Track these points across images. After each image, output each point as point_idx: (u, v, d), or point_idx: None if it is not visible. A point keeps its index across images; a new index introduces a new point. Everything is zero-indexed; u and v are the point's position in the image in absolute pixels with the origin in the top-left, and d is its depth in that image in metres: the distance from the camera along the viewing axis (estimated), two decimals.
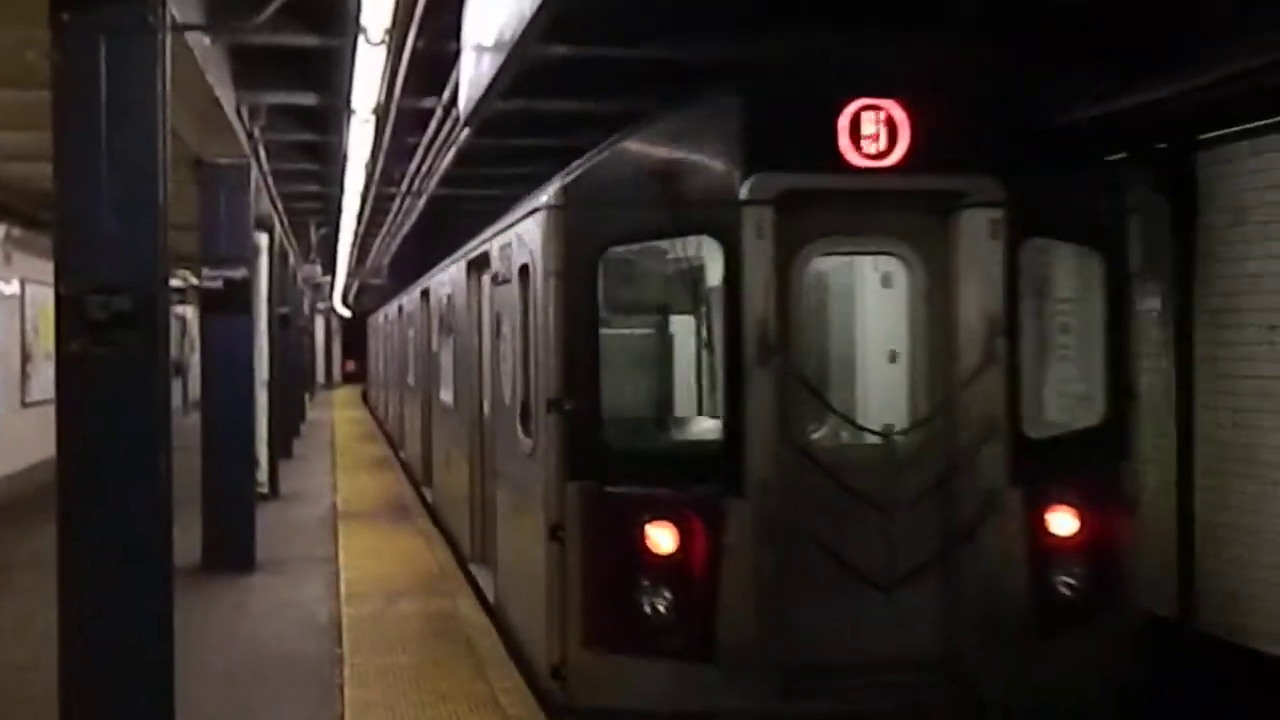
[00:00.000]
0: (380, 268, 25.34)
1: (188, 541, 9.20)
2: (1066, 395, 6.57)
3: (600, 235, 5.68)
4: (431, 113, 9.80)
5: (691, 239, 5.82)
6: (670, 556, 5.58)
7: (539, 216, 6.02)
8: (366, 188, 13.44)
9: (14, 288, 14.58)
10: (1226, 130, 7.03)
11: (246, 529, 10.18)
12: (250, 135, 10.05)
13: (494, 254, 7.75)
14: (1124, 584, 6.12)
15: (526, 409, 6.47)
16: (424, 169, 12.19)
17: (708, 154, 5.70)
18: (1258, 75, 5.72)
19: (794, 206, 5.69)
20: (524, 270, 6.50)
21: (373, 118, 9.25)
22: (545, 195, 5.93)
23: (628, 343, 6.31)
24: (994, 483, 5.86)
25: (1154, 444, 7.36)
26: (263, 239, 13.93)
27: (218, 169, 10.07)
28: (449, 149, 10.83)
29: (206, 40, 7.27)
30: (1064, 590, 5.94)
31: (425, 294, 13.49)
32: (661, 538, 5.59)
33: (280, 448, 16.09)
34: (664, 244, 5.90)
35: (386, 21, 6.90)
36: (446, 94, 9.00)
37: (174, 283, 21.34)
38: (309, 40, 8.08)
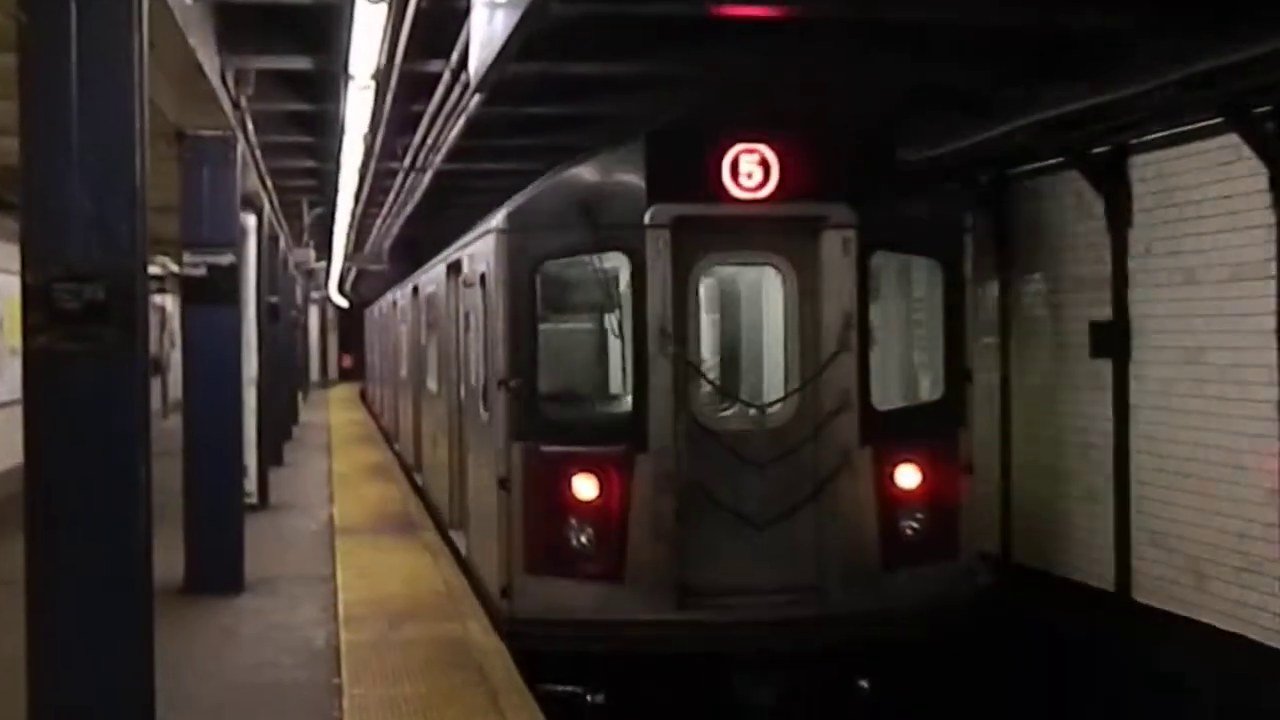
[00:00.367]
0: (381, 252, 25.36)
1: (169, 559, 9.22)
2: (916, 375, 9.47)
3: (537, 252, 8.66)
4: (438, 77, 9.80)
5: (607, 255, 8.70)
6: (591, 501, 8.54)
7: (490, 236, 9.02)
8: (365, 162, 13.48)
9: None
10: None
11: (234, 544, 10.24)
12: (236, 104, 10.08)
13: (465, 261, 10.80)
14: (959, 527, 8.98)
15: (486, 388, 9.37)
16: (429, 141, 12.20)
17: (619, 188, 8.60)
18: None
19: (687, 230, 8.60)
20: (483, 277, 9.44)
21: (372, 84, 9.27)
22: (495, 220, 8.98)
23: (559, 335, 9.23)
24: (847, 444, 8.72)
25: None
26: (250, 220, 13.97)
27: (200, 142, 10.11)
28: (457, 118, 10.84)
29: None
30: (908, 531, 8.84)
31: (416, 290, 16.72)
32: (584, 486, 8.55)
33: (271, 453, 16.17)
34: (586, 258, 8.75)
35: None
36: (455, 56, 8.99)
37: (152, 269, 21.47)
38: None
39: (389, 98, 9.90)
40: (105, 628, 5.04)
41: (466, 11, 7.27)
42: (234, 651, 8.46)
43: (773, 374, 9.23)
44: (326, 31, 9.14)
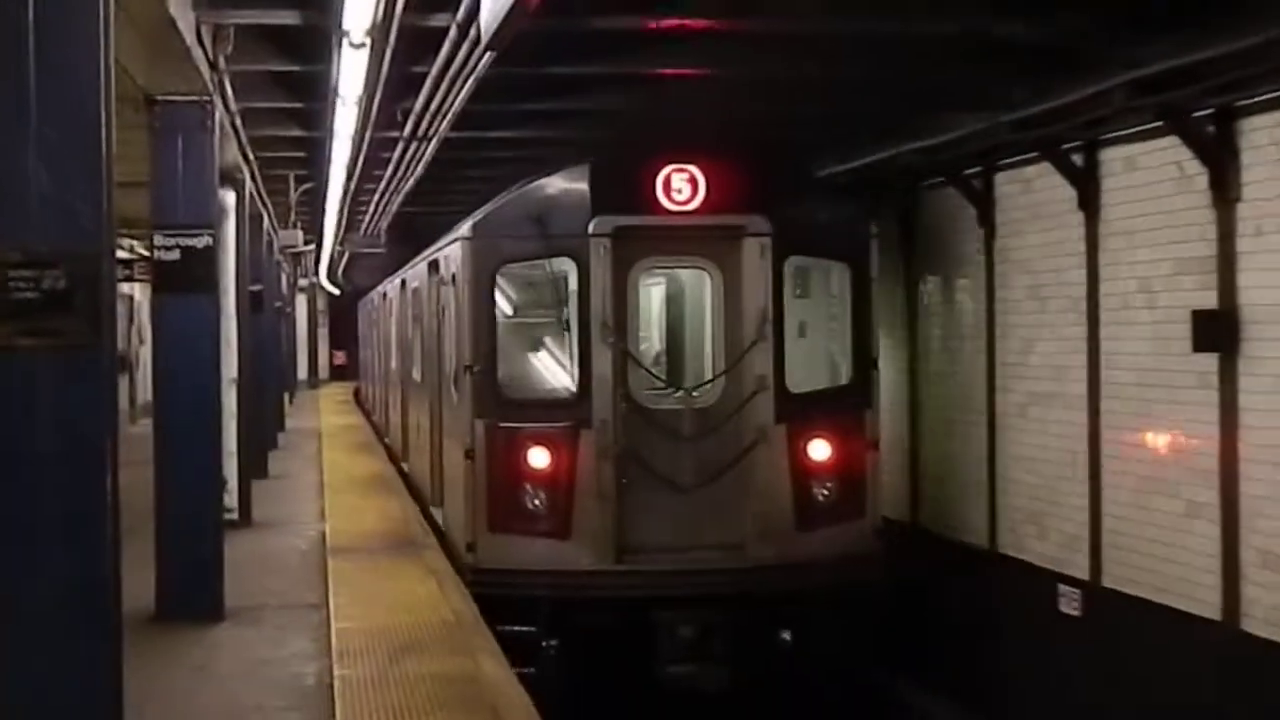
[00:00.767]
0: (378, 233, 25.44)
1: (138, 583, 9.24)
2: (829, 363, 12.72)
3: (497, 257, 11.99)
4: (444, 33, 9.81)
5: (558, 260, 11.89)
6: (543, 469, 11.74)
7: (458, 243, 12.56)
8: (361, 131, 13.50)
9: None
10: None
11: (212, 567, 10.26)
12: (214, 65, 10.12)
13: (441, 261, 14.20)
14: (866, 494, 12.18)
15: (456, 374, 12.85)
16: (434, 106, 12.22)
17: (567, 203, 11.83)
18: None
19: (626, 238, 11.79)
20: (454, 277, 12.90)
21: (368, 41, 9.25)
22: (463, 229, 12.52)
23: (516, 328, 12.46)
24: (764, 421, 11.85)
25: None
26: (230, 197, 14.00)
27: (173, 109, 10.13)
28: (465, 80, 10.85)
29: None
30: (819, 498, 11.99)
31: (404, 284, 19.62)
32: (537, 457, 11.75)
33: (254, 463, 16.19)
34: (540, 263, 11.96)
35: None
36: (462, 11, 9.00)
37: (119, 254, 21.57)
38: None
39: (387, 56, 9.91)
40: (64, 661, 5.03)
41: None
42: (212, 690, 8.47)
43: (703, 361, 12.52)
44: None
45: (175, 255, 10.16)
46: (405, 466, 19.01)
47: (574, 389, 11.93)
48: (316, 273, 41.75)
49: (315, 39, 10.84)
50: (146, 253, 23.79)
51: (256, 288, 18.41)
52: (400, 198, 19.70)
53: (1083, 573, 12.26)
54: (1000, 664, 13.59)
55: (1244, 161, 10.16)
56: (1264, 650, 9.95)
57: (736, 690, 11.70)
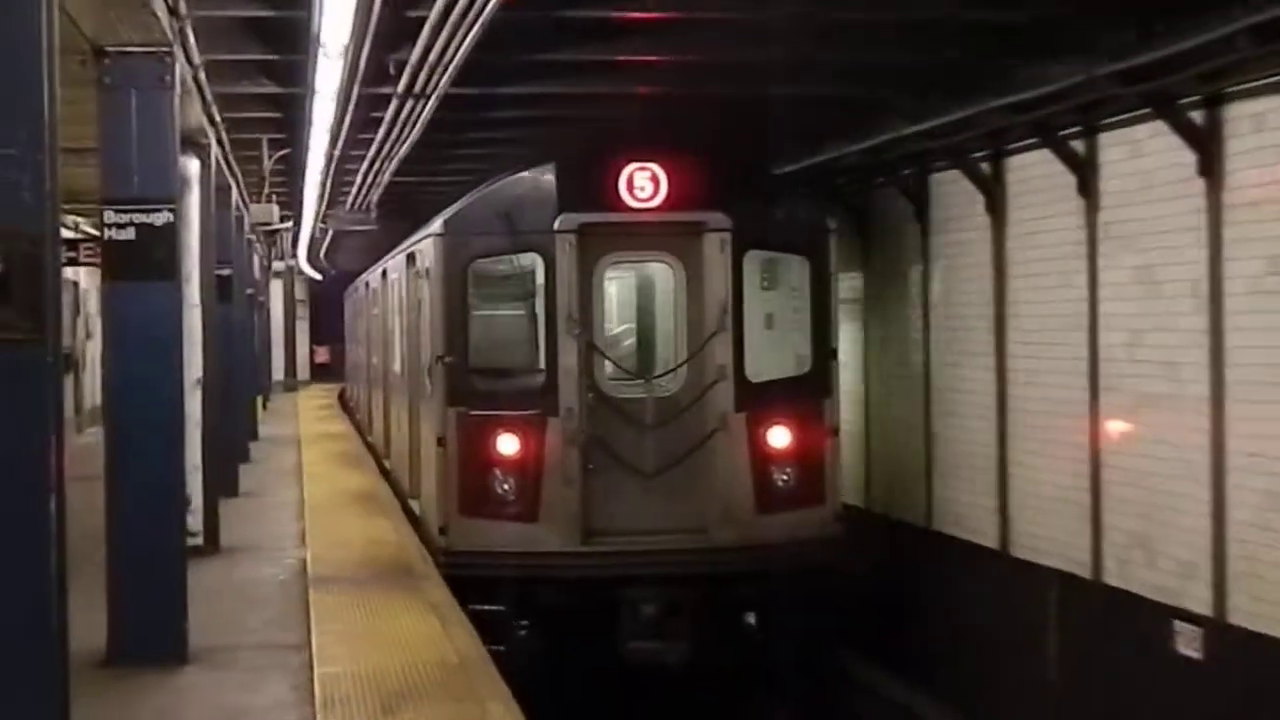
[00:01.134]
0: (367, 207, 25.44)
1: (87, 621, 9.18)
2: (789, 353, 15.21)
3: (468, 252, 14.61)
4: None
5: (525, 255, 14.54)
6: (512, 456, 14.32)
7: (430, 239, 15.18)
8: (347, 87, 13.51)
9: None
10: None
11: (173, 601, 10.24)
12: (174, 10, 10.10)
13: (418, 254, 16.88)
14: (826, 481, 14.85)
15: (430, 365, 15.35)
16: (434, 56, 12.20)
17: (535, 201, 14.45)
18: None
19: (591, 234, 14.39)
20: (428, 271, 15.58)
21: None
22: (435, 226, 15.10)
23: (486, 320, 14.90)
24: (724, 409, 14.45)
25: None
26: (193, 166, 14.03)
27: (126, 62, 10.10)
28: (470, 26, 10.82)
29: None
30: (779, 483, 14.59)
31: (385, 274, 22.50)
32: (506, 443, 14.34)
33: (223, 479, 16.25)
34: (509, 258, 14.66)
35: None
36: None
37: (63, 233, 21.30)
38: None
39: None
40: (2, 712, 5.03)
41: None
42: None
43: (666, 352, 15.28)
44: None
45: (129, 235, 10.14)
46: (387, 464, 22.21)
47: (542, 379, 14.67)
48: (294, 254, 41.79)
49: None
50: (95, 232, 23.88)
51: (225, 272, 18.45)
52: (393, 166, 19.67)
53: (1203, 607, 12.19)
54: (1102, 711, 13.63)
55: None
56: None
57: (700, 668, 14.33)
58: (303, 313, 53.69)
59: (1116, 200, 13.44)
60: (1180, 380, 12.50)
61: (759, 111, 16.09)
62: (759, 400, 14.73)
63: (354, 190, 24.30)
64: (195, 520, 13.46)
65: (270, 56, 14.02)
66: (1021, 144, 14.84)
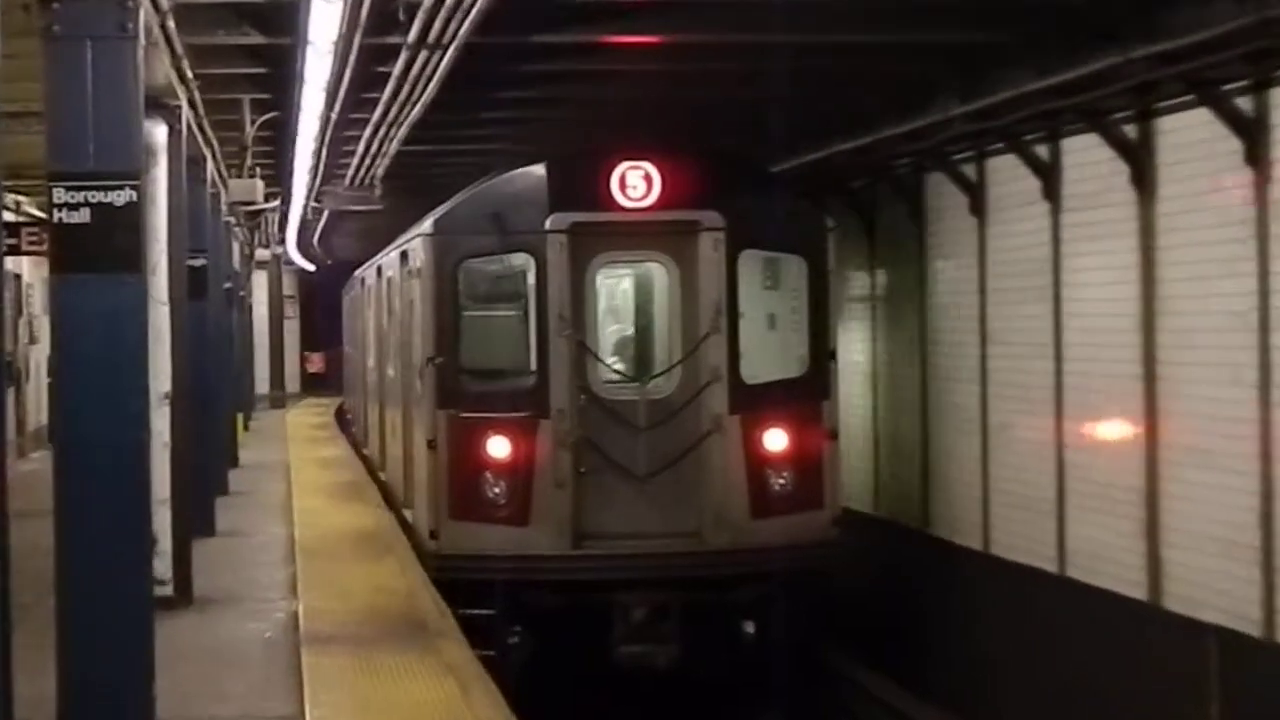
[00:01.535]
0: (370, 183, 25.48)
1: (33, 690, 9.19)
2: (786, 354, 17.71)
3: (459, 252, 17.40)
4: None
5: (516, 255, 17.24)
6: (503, 458, 16.96)
7: (421, 239, 18.16)
8: (347, 37, 13.54)
9: None
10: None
11: (137, 665, 10.19)
12: None
13: (410, 252, 19.28)
14: (824, 485, 17.41)
15: (421, 366, 17.96)
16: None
17: (526, 200, 17.19)
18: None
19: (583, 233, 17.02)
20: (419, 270, 18.11)
21: None
22: (425, 225, 18.26)
23: (477, 321, 17.37)
24: (718, 411, 16.96)
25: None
26: (159, 133, 14.09)
27: (79, 8, 10.05)
28: None
29: None
30: (775, 487, 17.12)
31: (380, 271, 25.03)
32: (497, 446, 16.97)
33: (196, 515, 16.36)
34: (500, 258, 17.46)
35: None
36: None
37: (1, 216, 21.35)
38: None
39: None
40: None
41: None
42: None
43: (660, 353, 17.84)
44: None
45: (84, 217, 10.14)
46: (382, 475, 24.97)
47: (533, 380, 17.18)
48: (282, 241, 41.93)
49: None
50: (41, 214, 23.88)
51: (198, 262, 18.54)
52: (403, 132, 19.73)
53: None
54: None
55: None
56: None
57: (692, 672, 16.75)
58: (292, 311, 53.96)
59: None
60: None
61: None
62: (754, 402, 17.26)
63: (355, 163, 24.42)
64: (164, 565, 13.56)
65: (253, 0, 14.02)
66: (1173, 102, 14.86)
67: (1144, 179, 15.35)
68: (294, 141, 21.84)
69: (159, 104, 13.70)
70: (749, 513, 17.06)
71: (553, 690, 16.11)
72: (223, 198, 23.71)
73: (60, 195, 10.09)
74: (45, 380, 28.82)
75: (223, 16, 14.84)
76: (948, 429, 19.66)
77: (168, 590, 13.72)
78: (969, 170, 19.08)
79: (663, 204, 17.01)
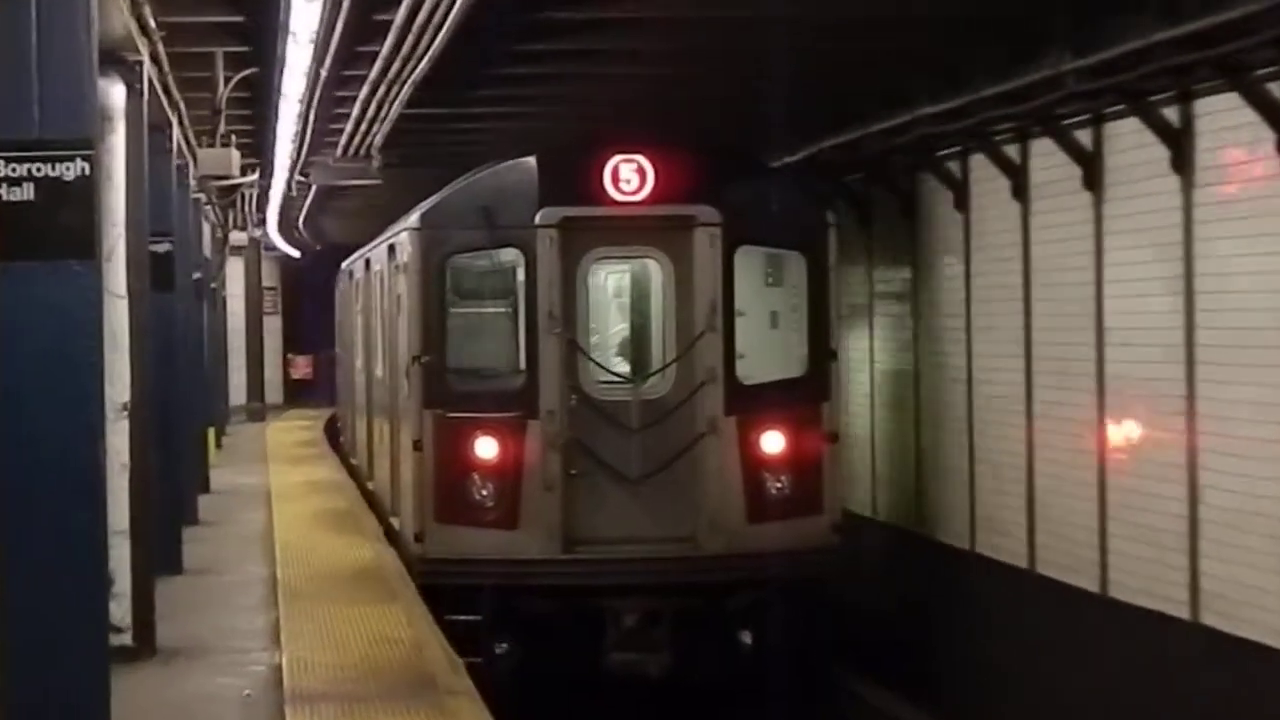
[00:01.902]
0: (369, 153, 25.48)
1: None
2: (786, 354, 20.67)
3: (446, 247, 20.28)
4: None
5: (506, 250, 20.09)
6: (491, 460, 19.69)
7: (407, 233, 21.02)
8: None
9: None
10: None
11: None
12: None
13: (397, 246, 21.95)
14: (823, 489, 20.17)
15: (408, 365, 20.79)
16: None
17: (515, 194, 20.00)
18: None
19: (574, 228, 19.85)
20: (405, 266, 21.08)
21: None
22: (411, 219, 21.26)
23: (465, 318, 20.52)
24: (713, 413, 19.65)
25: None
26: (116, 93, 14.22)
27: None
28: None
29: None
30: (773, 491, 19.83)
31: (369, 264, 27.49)
32: (485, 447, 19.69)
33: (160, 549, 16.53)
34: (488, 254, 20.36)
35: None
36: None
37: None
38: None
39: None
40: None
41: None
42: None
43: (654, 353, 20.10)
44: None
45: (27, 194, 10.21)
46: (370, 485, 27.75)
47: (522, 380, 19.61)
48: (262, 222, 41.98)
49: None
50: None
51: (162, 247, 18.65)
52: (406, 93, 19.69)
53: None
54: None
55: None
56: None
57: (685, 680, 19.08)
58: (274, 305, 54.03)
59: None
60: None
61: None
62: (751, 403, 19.72)
63: (348, 130, 24.41)
64: (121, 609, 13.74)
65: None
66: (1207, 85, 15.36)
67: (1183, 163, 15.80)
68: (276, 104, 22.00)
69: (116, 59, 13.84)
70: (745, 517, 19.55)
71: (542, 699, 18.49)
72: (191, 171, 23.89)
73: None
74: None
75: None
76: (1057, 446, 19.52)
77: (126, 639, 13.84)
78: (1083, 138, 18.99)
79: (656, 198, 19.52)
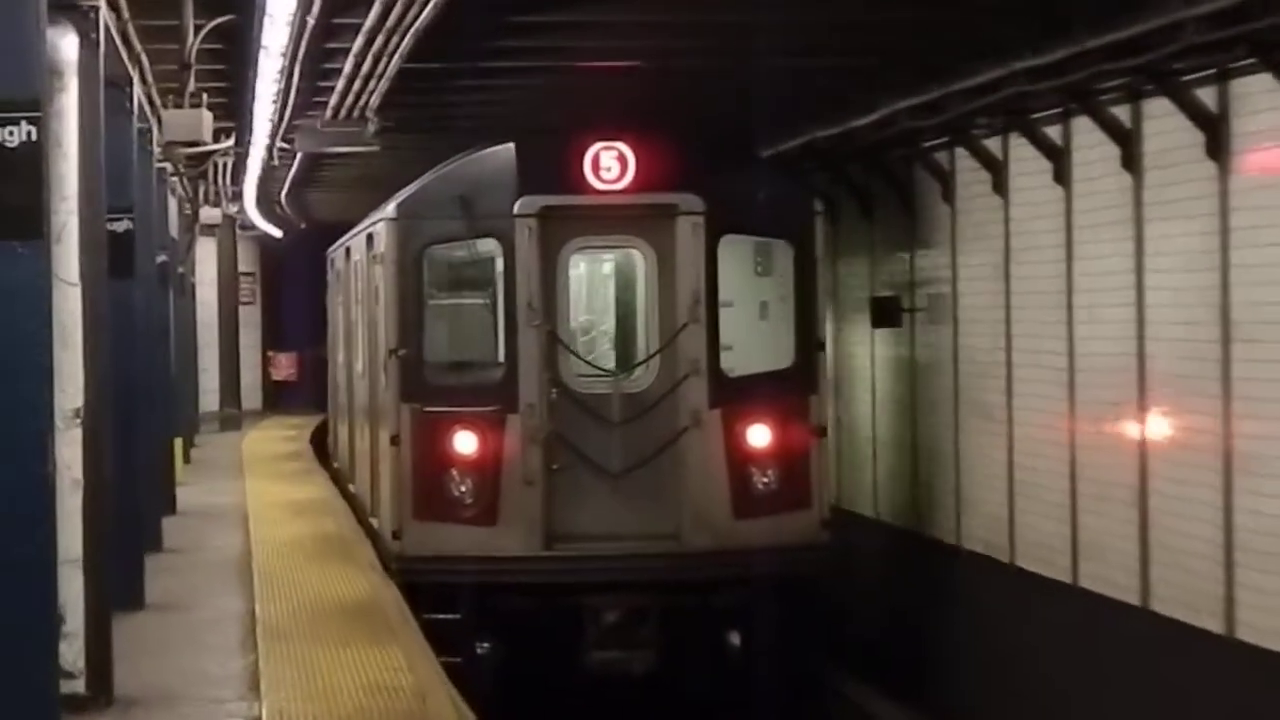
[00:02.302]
0: (363, 115, 25.58)
1: None
2: (772, 346, 24.18)
3: (422, 238, 23.84)
4: None
5: (484, 240, 23.67)
6: (469, 455, 23.15)
7: (384, 223, 24.92)
8: None
9: None
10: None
11: None
12: None
13: (375, 235, 26.32)
14: (811, 483, 23.64)
15: (385, 358, 24.67)
16: None
17: (493, 183, 23.57)
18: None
19: (554, 218, 23.34)
20: (382, 256, 25.44)
21: None
22: (388, 209, 24.89)
23: (442, 310, 24.17)
24: (697, 406, 23.06)
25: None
26: (67, 45, 14.24)
27: None
28: None
29: None
30: (759, 486, 23.26)
31: (349, 252, 30.99)
32: (463, 442, 23.13)
33: (118, 580, 16.44)
34: (466, 244, 23.96)
35: None
36: None
37: None
38: None
39: None
40: None
41: None
42: None
43: (636, 344, 22.88)
44: None
45: None
46: (352, 488, 30.77)
47: (501, 373, 22.44)
48: (238, 197, 41.93)
49: None
50: None
51: (121, 226, 18.96)
52: (407, 44, 19.70)
53: None
54: None
55: None
56: None
57: (668, 679, 21.59)
58: (252, 294, 53.89)
59: None
60: None
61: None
62: (736, 396, 22.65)
63: (339, 88, 24.41)
64: (73, 651, 13.71)
65: None
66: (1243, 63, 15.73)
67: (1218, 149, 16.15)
68: (255, 57, 21.92)
69: (66, 4, 13.85)
70: (730, 513, 22.50)
71: (523, 699, 21.02)
72: (155, 136, 23.94)
73: None
74: None
75: None
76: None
77: (78, 686, 13.86)
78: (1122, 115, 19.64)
79: (638, 186, 22.54)
